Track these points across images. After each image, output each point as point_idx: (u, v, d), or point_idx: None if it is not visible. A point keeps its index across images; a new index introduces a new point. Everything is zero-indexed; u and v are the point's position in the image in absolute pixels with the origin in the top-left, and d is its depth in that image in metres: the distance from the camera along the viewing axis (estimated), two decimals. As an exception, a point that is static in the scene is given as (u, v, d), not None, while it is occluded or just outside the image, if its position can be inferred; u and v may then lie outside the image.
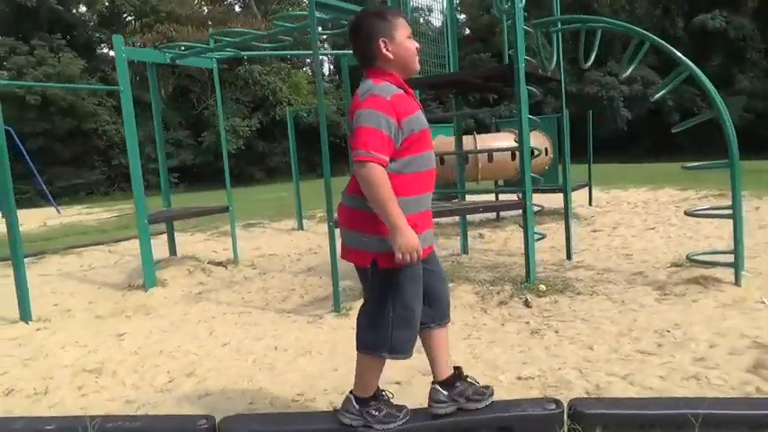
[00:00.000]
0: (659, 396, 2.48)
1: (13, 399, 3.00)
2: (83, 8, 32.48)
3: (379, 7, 2.31)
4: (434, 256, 2.32)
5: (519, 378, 2.85)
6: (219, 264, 6.29)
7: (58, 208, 16.66)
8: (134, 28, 31.98)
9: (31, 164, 15.97)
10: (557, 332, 3.53)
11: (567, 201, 5.57)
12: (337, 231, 4.27)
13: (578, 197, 9.51)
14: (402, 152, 2.05)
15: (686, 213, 4.50)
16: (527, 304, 4.17)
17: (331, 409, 2.50)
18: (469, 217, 8.46)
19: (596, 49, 4.68)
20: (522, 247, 5.92)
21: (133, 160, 5.23)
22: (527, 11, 4.44)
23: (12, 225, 4.56)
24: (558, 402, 2.18)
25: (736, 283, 4.11)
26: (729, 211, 4.14)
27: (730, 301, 3.84)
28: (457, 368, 2.32)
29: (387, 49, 2.10)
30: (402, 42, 2.12)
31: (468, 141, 7.52)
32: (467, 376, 2.31)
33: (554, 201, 8.68)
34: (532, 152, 5.81)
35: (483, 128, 19.47)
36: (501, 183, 8.73)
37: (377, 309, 2.12)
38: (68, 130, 26.92)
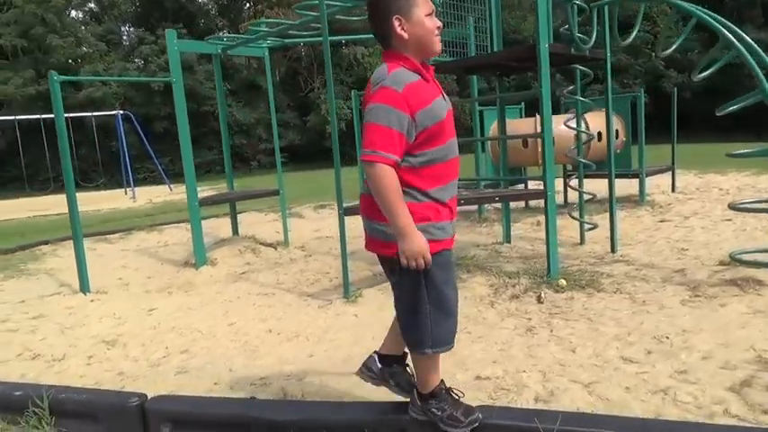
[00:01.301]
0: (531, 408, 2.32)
1: (33, 363, 3.42)
2: (204, -1, 34.77)
3: None
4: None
5: (477, 378, 2.77)
6: (270, 245, 6.60)
7: (171, 186, 18.18)
8: (250, 14, 33.73)
9: (148, 146, 17.55)
10: (551, 331, 3.37)
11: (611, 188, 5.18)
12: (350, 219, 4.39)
13: (661, 182, 8.80)
14: (420, 146, 1.92)
15: (730, 207, 4.03)
16: (539, 300, 3.98)
17: (262, 395, 2.61)
18: (533, 203, 8.17)
19: (638, 25, 4.28)
20: (576, 235, 5.71)
21: (185, 147, 5.63)
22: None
23: (71, 205, 5.08)
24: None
25: (780, 286, 3.65)
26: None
27: (765, 308, 3.42)
28: (404, 354, 2.27)
29: (402, 29, 1.92)
30: (420, 21, 1.93)
31: (529, 124, 7.20)
32: (407, 365, 2.27)
33: (629, 187, 8.13)
34: (589, 137, 5.51)
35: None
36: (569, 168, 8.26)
37: (411, 303, 2.00)
38: (189, 113, 29.15)
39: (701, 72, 3.87)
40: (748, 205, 4.06)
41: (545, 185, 4.30)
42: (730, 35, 3.63)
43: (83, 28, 29.95)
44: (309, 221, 8.11)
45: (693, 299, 3.72)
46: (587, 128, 7.10)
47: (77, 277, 5.11)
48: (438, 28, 1.97)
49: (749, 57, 3.57)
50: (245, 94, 32.06)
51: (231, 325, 3.93)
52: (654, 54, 27.58)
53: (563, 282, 4.20)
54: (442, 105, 1.97)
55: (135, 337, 3.79)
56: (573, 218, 5.80)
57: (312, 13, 4.71)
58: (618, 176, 7.54)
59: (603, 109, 7.57)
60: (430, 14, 1.96)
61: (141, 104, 26.54)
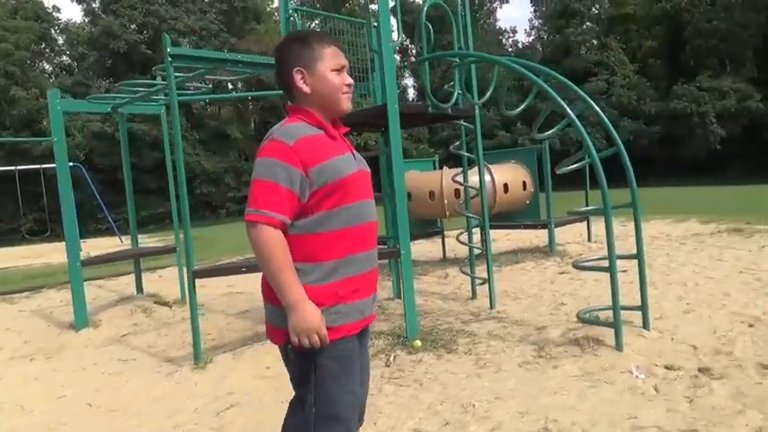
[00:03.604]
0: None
1: None
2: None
3: (307, 30, 2.06)
4: (367, 336, 1.92)
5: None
6: (166, 303, 6.44)
7: (122, 238, 17.94)
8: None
9: (98, 198, 17.39)
10: (374, 398, 3.25)
11: (487, 242, 5.14)
12: (197, 281, 4.29)
13: (583, 230, 8.82)
14: (315, 207, 1.69)
15: (573, 266, 4.01)
16: (387, 363, 3.88)
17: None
18: (450, 253, 8.11)
19: (493, 86, 4.34)
20: (474, 290, 5.61)
21: (66, 204, 5.53)
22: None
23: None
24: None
25: (617, 346, 3.58)
26: (616, 263, 3.61)
27: (595, 370, 3.35)
28: None
29: (304, 82, 1.76)
30: (323, 76, 1.76)
31: (435, 177, 7.22)
32: None
33: (540, 238, 8.13)
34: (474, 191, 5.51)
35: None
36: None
37: (296, 403, 1.76)
38: (154, 162, 29.19)
39: (539, 132, 3.90)
40: (586, 264, 4.02)
41: (399, 244, 4.25)
42: (563, 103, 3.68)
43: (51, 80, 30.13)
44: (228, 276, 7.94)
45: (535, 360, 3.64)
46: (492, 180, 7.15)
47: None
48: (348, 85, 1.81)
49: (579, 124, 3.61)
50: (214, 143, 32.21)
51: (60, 398, 3.75)
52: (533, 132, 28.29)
53: (418, 343, 4.10)
54: (345, 163, 1.75)
55: (-45, 411, 3.60)
56: (463, 272, 5.74)
57: (187, 75, 4.72)
58: (527, 227, 7.61)
59: (512, 161, 7.70)
60: (338, 70, 1.79)
61: (106, 154, 26.48)
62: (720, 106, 27.09)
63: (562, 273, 6.48)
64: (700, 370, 3.21)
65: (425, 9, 4.83)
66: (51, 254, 14.79)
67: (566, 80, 3.96)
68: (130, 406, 3.48)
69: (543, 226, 7.44)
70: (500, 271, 6.94)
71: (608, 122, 3.90)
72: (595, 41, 33.07)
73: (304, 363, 1.68)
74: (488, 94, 4.35)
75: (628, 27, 32.47)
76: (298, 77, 1.77)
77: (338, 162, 1.72)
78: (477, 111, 4.87)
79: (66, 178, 5.53)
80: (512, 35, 45.97)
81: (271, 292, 1.71)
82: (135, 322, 5.88)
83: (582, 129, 3.61)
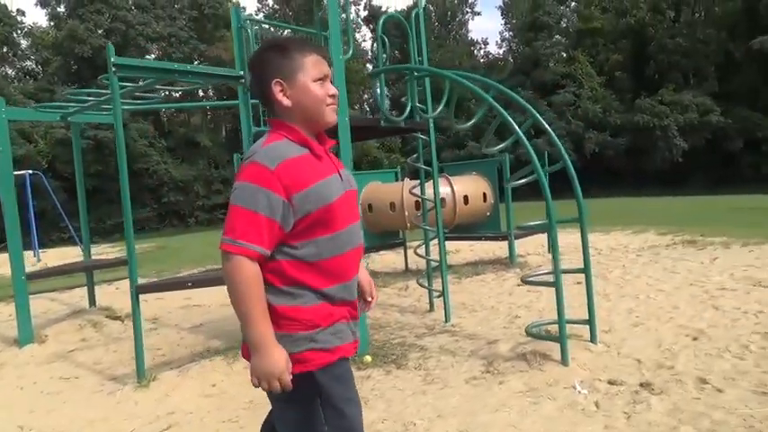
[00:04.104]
0: None
1: None
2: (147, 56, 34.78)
3: (285, 38, 1.86)
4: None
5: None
6: (118, 317, 6.28)
7: (82, 247, 17.54)
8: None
9: (59, 207, 16.96)
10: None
11: (442, 255, 5.13)
12: (141, 297, 4.18)
13: (545, 241, 8.89)
14: (301, 235, 1.58)
15: (522, 280, 4.03)
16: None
17: None
18: (412, 264, 8.09)
19: (445, 99, 4.34)
20: (432, 303, 5.58)
21: (10, 216, 5.34)
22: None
23: None
24: None
25: (563, 361, 3.59)
26: (556, 278, 3.63)
27: (539, 385, 3.35)
28: None
29: (284, 95, 1.63)
30: (305, 86, 1.63)
31: (396, 188, 7.21)
32: None
33: (500, 249, 8.17)
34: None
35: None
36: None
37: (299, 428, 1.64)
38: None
39: (487, 146, 3.91)
40: (533, 278, 4.03)
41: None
42: (510, 119, 3.70)
43: (13, 85, 29.39)
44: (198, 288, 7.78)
45: (482, 375, 3.63)
46: (453, 192, 7.17)
47: None
48: (332, 96, 1.67)
49: (525, 141, 3.63)
50: (183, 151, 31.79)
51: (-9, 419, 3.60)
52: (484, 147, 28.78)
53: (368, 359, 4.06)
54: (331, 187, 1.62)
55: None
56: (420, 285, 5.72)
57: (132, 85, 4.62)
58: (487, 239, 7.64)
59: (472, 173, 7.74)
60: (320, 80, 1.65)
61: (69, 162, 25.67)
62: (683, 120, 27.79)
63: (520, 285, 6.48)
64: (641, 385, 3.23)
65: (381, 22, 4.84)
66: (4, 265, 14.33)
67: (514, 95, 3.98)
68: (62, 429, 3.35)
69: (504, 238, 7.48)
70: (460, 282, 6.95)
71: (555, 138, 3.94)
72: (564, 54, 33.68)
73: (306, 387, 1.58)
74: (440, 108, 4.35)
75: (595, 41, 33.14)
76: (277, 90, 1.63)
77: (323, 187, 1.60)
78: (431, 124, 4.87)
79: (9, 189, 5.36)
80: (483, 47, 46.63)
81: None
82: (83, 337, 5.70)
83: (528, 145, 3.63)
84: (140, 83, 4.46)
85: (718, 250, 7.21)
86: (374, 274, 7.86)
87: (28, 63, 33.54)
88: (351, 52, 4.54)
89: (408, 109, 4.60)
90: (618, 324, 4.48)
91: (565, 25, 35.61)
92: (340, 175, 1.69)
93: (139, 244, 20.44)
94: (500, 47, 47.83)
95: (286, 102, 1.63)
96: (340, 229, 1.62)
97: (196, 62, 33.00)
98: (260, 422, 3.15)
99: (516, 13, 40.20)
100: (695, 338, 3.96)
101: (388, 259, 9.17)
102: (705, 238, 8.17)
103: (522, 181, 3.91)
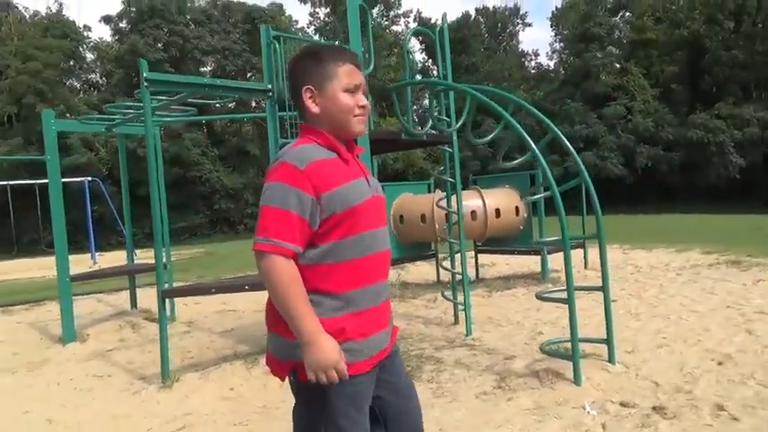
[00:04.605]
0: None
1: None
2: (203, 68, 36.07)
3: (321, 46, 1.89)
4: (396, 361, 1.81)
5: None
6: (155, 320, 6.53)
7: (135, 251, 18.27)
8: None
9: (114, 212, 17.76)
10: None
11: (464, 264, 5.13)
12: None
13: (576, 258, 8.70)
14: (324, 236, 1.60)
15: (537, 297, 3.99)
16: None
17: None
18: (444, 277, 8.08)
19: (468, 112, 4.36)
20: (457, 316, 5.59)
21: (58, 224, 5.67)
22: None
23: None
24: None
25: (575, 380, 3.54)
26: (564, 295, 3.59)
27: (548, 404, 3.32)
28: None
29: (313, 102, 1.67)
30: (334, 95, 1.66)
31: (427, 200, 7.25)
32: None
33: (537, 264, 8.04)
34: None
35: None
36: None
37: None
38: (174, 178, 29.73)
39: (503, 159, 3.91)
40: (548, 295, 3.99)
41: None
42: (525, 134, 3.70)
43: (78, 97, 31.01)
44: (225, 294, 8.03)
45: (493, 391, 3.62)
46: (484, 205, 7.14)
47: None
48: (362, 107, 1.69)
49: (540, 156, 3.62)
50: (234, 160, 32.70)
51: (24, 413, 3.84)
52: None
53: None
54: (358, 190, 1.66)
55: None
56: (445, 297, 5.72)
57: (170, 99, 4.86)
58: (520, 253, 7.56)
59: (505, 186, 7.69)
60: (351, 90, 1.67)
61: (129, 170, 27.12)
62: (741, 135, 26.60)
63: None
64: (654, 408, 3.15)
65: (409, 37, 4.92)
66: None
67: (533, 109, 3.97)
68: (87, 424, 3.54)
69: (537, 252, 7.39)
70: (490, 296, 6.91)
71: (575, 154, 3.89)
72: (617, 65, 32.88)
73: (311, 399, 1.61)
74: (462, 120, 4.38)
75: (649, 52, 32.18)
76: (307, 96, 1.67)
77: (350, 189, 1.63)
78: (454, 137, 4.90)
79: (58, 195, 5.69)
80: (534, 58, 46.07)
81: (277, 322, 1.63)
82: (121, 338, 5.98)
83: (543, 162, 3.61)
84: (173, 96, 4.69)
85: (764, 272, 6.89)
86: (406, 284, 7.90)
87: (92, 75, 35.34)
88: (371, 66, 4.63)
89: (430, 122, 4.65)
90: (642, 345, 4.37)
91: (618, 36, 34.78)
92: (367, 181, 1.72)
93: (189, 250, 21.24)
94: (550, 58, 47.10)
95: (315, 108, 1.67)
96: (365, 230, 1.64)
97: (249, 74, 34.08)
98: (269, 426, 3.27)
99: (566, 23, 39.54)
100: (720, 363, 3.82)
101: (423, 271, 9.18)
102: (752, 259, 7.81)
103: (538, 196, 3.89)
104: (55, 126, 5.68)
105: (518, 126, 3.68)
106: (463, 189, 5.70)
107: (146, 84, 4.02)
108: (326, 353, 1.51)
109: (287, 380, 1.68)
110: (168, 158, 28.58)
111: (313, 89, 1.66)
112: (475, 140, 4.07)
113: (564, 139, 3.93)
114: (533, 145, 3.63)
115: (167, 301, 6.64)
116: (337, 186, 1.59)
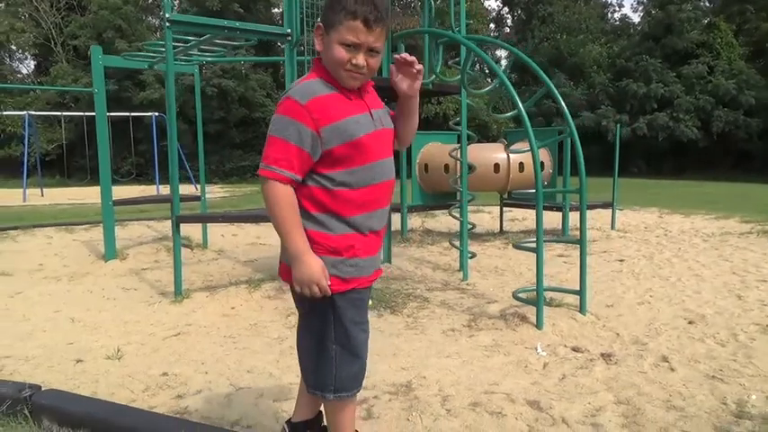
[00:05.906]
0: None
1: None
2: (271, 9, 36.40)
3: None
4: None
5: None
6: (188, 246, 7.13)
7: (196, 186, 19.31)
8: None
9: (179, 147, 18.74)
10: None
11: (464, 213, 5.31)
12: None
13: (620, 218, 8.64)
14: (329, 167, 1.74)
15: (514, 246, 4.14)
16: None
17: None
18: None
19: (465, 63, 4.45)
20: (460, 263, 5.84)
21: (103, 153, 6.24)
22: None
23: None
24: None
25: (537, 324, 3.74)
26: (533, 245, 3.75)
27: (505, 343, 3.55)
28: (317, 416, 2.07)
29: (320, 40, 1.78)
30: (330, 44, 1.72)
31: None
32: (324, 427, 2.07)
33: (554, 220, 8.05)
34: (470, 168, 5.69)
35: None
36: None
37: (315, 342, 1.84)
38: (241, 118, 30.72)
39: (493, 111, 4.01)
40: (523, 244, 4.14)
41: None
42: (515, 95, 3.79)
43: (156, 35, 32.22)
44: (257, 228, 8.55)
45: (459, 329, 3.87)
46: (507, 158, 7.19)
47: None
48: (352, 64, 1.72)
49: (525, 116, 3.71)
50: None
51: (55, 312, 4.44)
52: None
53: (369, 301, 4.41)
54: (360, 124, 1.75)
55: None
56: (452, 245, 5.94)
57: (198, 39, 5.18)
58: (546, 209, 7.59)
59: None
60: (348, 45, 1.70)
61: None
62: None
63: (560, 256, 6.50)
64: (602, 355, 3.32)
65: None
66: (131, 194, 16.28)
67: (530, 61, 4.00)
68: (102, 324, 4.08)
69: (558, 209, 7.41)
70: (506, 248, 7.06)
71: (567, 111, 3.95)
72: (706, 20, 30.61)
73: (322, 306, 1.78)
74: (462, 72, 4.47)
75: (743, 7, 29.74)
76: (317, 32, 1.78)
77: (351, 123, 1.73)
78: (463, 90, 4.99)
79: (104, 127, 6.24)
80: (618, 9, 43.49)
81: None
82: (156, 259, 6.59)
83: (528, 121, 3.70)
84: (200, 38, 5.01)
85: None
86: (428, 232, 8.15)
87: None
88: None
89: (436, 72, 4.77)
90: (625, 301, 4.47)
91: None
92: (371, 114, 1.80)
93: (249, 187, 22.23)
94: (635, 10, 44.27)
95: (319, 47, 1.79)
96: (371, 161, 1.77)
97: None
98: (253, 341, 3.68)
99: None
100: (691, 322, 3.90)
101: (448, 221, 9.36)
102: (789, 230, 7.53)
103: (522, 151, 3.98)
104: (102, 61, 6.16)
105: (509, 84, 3.76)
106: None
107: (167, 24, 4.34)
108: (312, 268, 1.69)
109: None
110: (237, 99, 29.56)
111: (323, 29, 1.76)
112: (472, 91, 4.17)
113: (557, 94, 3.99)
114: (520, 105, 3.72)
115: (202, 228, 7.25)
116: (337, 120, 1.71)
